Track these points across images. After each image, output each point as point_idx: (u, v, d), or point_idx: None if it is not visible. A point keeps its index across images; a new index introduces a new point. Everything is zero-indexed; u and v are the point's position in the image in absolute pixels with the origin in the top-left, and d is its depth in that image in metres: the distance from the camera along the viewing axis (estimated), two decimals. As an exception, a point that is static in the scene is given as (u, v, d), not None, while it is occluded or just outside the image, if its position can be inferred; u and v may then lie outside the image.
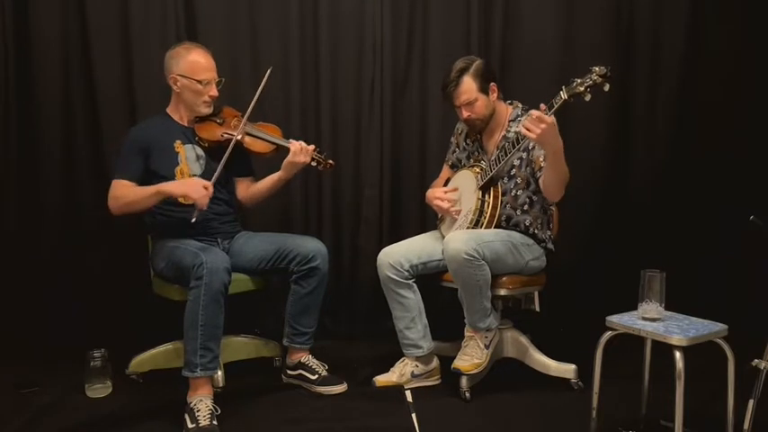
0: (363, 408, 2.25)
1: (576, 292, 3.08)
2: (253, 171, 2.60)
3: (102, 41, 2.88)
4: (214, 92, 2.41)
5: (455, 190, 2.52)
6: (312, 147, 2.43)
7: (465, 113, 2.41)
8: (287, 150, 2.41)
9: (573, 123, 2.89)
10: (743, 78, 3.17)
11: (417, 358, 2.45)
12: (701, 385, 2.05)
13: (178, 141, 2.41)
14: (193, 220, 2.26)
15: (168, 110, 2.48)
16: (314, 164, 2.45)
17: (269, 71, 2.44)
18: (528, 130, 2.06)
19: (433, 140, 3.11)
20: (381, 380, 2.44)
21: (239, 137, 2.40)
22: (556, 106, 2.08)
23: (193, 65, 2.37)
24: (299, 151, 2.39)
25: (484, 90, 2.39)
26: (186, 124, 2.46)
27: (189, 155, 2.42)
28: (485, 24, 3.07)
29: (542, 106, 2.08)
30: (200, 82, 2.37)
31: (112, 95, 2.92)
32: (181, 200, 2.33)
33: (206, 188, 2.24)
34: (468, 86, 2.37)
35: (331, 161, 2.50)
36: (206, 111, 2.44)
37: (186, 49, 2.40)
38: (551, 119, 2.04)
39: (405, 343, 2.45)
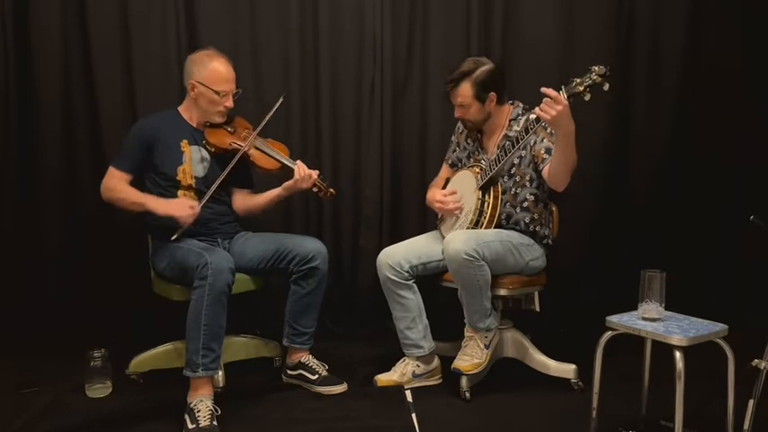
0: (363, 408, 2.25)
1: (575, 291, 3.08)
2: (252, 184, 2.59)
3: (103, 41, 2.88)
4: (230, 103, 2.40)
5: (453, 193, 2.52)
6: (316, 173, 2.41)
7: (457, 113, 2.45)
8: (291, 171, 2.40)
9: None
10: (743, 78, 3.17)
11: (418, 358, 2.45)
12: (700, 385, 2.06)
13: (185, 141, 2.41)
14: (173, 238, 2.26)
15: (180, 108, 2.47)
16: (315, 190, 2.43)
17: (281, 98, 2.47)
18: (543, 111, 2.06)
19: (433, 141, 3.11)
20: (383, 379, 2.44)
21: (247, 149, 2.40)
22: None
23: (213, 74, 2.35)
24: (303, 178, 2.37)
25: (480, 98, 2.38)
26: (195, 126, 2.45)
27: (194, 156, 2.41)
28: (485, 24, 3.07)
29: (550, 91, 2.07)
30: (217, 93, 2.36)
31: (112, 94, 2.92)
32: None
33: (192, 208, 2.24)
34: (465, 92, 2.37)
35: (332, 190, 2.47)
36: (219, 120, 2.43)
37: (209, 57, 2.38)
38: (566, 101, 2.04)
39: (405, 343, 2.45)
